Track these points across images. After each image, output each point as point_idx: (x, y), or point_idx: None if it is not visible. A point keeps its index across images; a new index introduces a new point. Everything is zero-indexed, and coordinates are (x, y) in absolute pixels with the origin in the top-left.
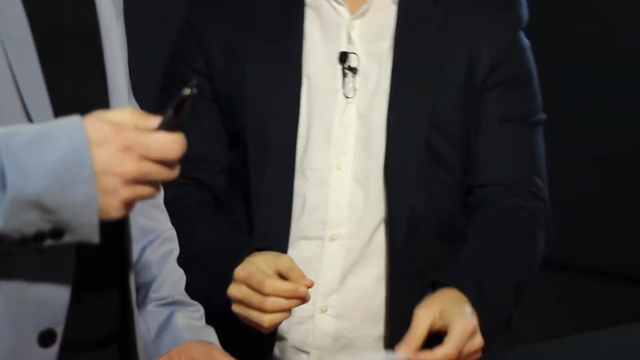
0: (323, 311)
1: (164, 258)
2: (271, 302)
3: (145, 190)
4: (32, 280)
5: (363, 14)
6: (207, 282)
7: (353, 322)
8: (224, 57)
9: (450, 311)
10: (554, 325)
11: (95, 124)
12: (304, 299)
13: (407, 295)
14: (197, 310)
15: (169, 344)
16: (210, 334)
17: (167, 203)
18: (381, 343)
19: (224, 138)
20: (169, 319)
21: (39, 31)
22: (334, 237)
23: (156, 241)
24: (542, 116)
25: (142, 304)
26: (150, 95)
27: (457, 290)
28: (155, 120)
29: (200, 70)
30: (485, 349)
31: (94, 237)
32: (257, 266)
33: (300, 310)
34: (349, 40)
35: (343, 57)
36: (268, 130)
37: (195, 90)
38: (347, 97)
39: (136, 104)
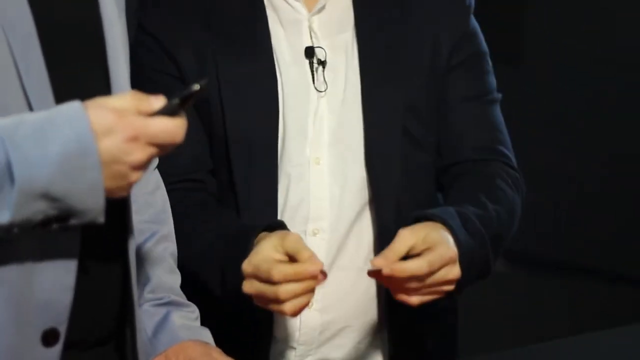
0: (309, 306)
1: (160, 257)
2: (284, 290)
3: (146, 169)
4: (36, 280)
5: (321, 9)
6: (220, 278)
7: (338, 315)
8: (194, 62)
9: (434, 237)
10: (554, 325)
11: (98, 112)
12: (316, 278)
13: None
14: (193, 311)
15: (166, 343)
16: (207, 335)
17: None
18: (367, 333)
19: (206, 138)
20: (165, 318)
21: (43, 27)
22: (315, 231)
23: (152, 240)
24: (499, 95)
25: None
26: None
27: (441, 224)
28: (157, 102)
29: (174, 75)
30: (459, 288)
31: (100, 218)
32: (264, 255)
33: None
34: (312, 35)
35: (309, 51)
36: (248, 132)
37: (205, 86)
38: (319, 91)
39: None
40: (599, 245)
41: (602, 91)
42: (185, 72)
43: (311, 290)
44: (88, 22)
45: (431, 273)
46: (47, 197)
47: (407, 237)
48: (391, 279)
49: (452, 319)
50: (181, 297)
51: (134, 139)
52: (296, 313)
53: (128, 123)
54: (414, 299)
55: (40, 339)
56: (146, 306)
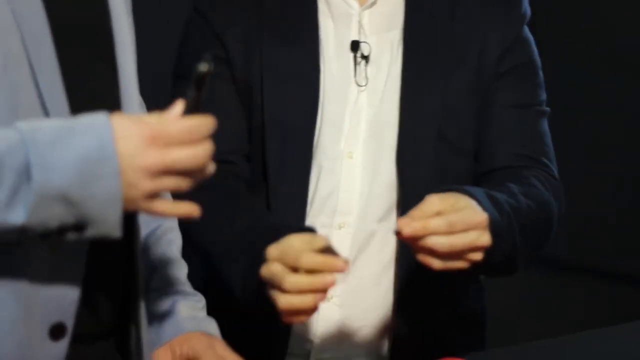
0: (328, 299)
1: (167, 247)
2: (291, 280)
3: (172, 181)
4: (44, 276)
5: (372, 4)
6: (244, 267)
7: (358, 311)
8: (240, 47)
9: (463, 204)
10: (555, 323)
11: (120, 119)
12: (324, 291)
13: (415, 284)
14: (199, 301)
15: (171, 333)
16: (212, 326)
17: (203, 190)
18: (385, 333)
19: (246, 122)
20: (171, 308)
21: (55, 24)
22: (341, 224)
23: (158, 230)
24: (547, 108)
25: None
26: (149, 93)
27: (470, 197)
28: (177, 107)
29: (220, 56)
30: (484, 266)
31: (116, 231)
32: (293, 244)
33: None
34: (361, 29)
35: (355, 45)
36: (286, 120)
37: (212, 64)
38: (359, 86)
39: (141, 99)
40: (599, 244)
41: (602, 90)
42: (232, 55)
43: (316, 292)
44: (97, 19)
45: (451, 233)
46: (64, 201)
47: (435, 202)
48: (414, 239)
49: (472, 324)
50: (187, 287)
51: (151, 140)
52: (288, 311)
53: (147, 125)
54: (436, 263)
55: (48, 333)
56: (153, 295)
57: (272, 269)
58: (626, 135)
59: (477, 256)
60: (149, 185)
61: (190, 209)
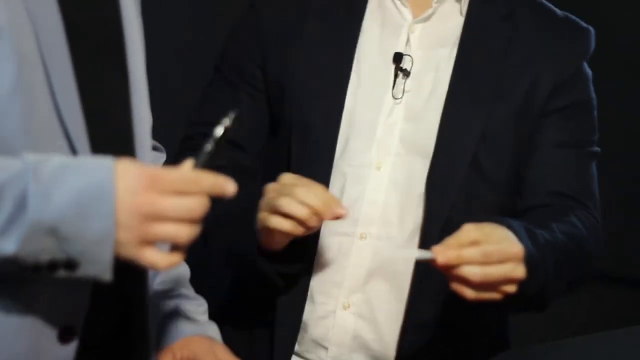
0: (345, 308)
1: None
2: (298, 193)
3: (164, 230)
4: (54, 281)
5: (427, 18)
6: (235, 233)
7: (373, 324)
8: (280, 47)
9: (500, 235)
10: (560, 328)
11: (123, 162)
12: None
13: (426, 308)
14: (201, 305)
15: (173, 337)
16: (214, 330)
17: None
18: (395, 350)
19: (261, 127)
20: (173, 312)
21: (70, 26)
22: (364, 235)
23: None
24: (598, 150)
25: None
26: (153, 96)
27: (507, 228)
28: (189, 163)
29: (254, 58)
30: (518, 301)
31: (107, 274)
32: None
33: (323, 305)
34: (408, 43)
35: (398, 58)
36: (311, 123)
37: (233, 123)
38: (396, 99)
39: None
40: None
41: (602, 90)
42: (268, 58)
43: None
44: (110, 21)
45: (486, 264)
46: (56, 235)
47: (471, 231)
48: (448, 267)
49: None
50: (190, 291)
51: (148, 183)
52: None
53: (149, 170)
54: (469, 293)
55: (57, 336)
56: (155, 299)
57: (271, 194)
58: (626, 136)
59: (511, 288)
60: (141, 229)
61: (181, 261)
